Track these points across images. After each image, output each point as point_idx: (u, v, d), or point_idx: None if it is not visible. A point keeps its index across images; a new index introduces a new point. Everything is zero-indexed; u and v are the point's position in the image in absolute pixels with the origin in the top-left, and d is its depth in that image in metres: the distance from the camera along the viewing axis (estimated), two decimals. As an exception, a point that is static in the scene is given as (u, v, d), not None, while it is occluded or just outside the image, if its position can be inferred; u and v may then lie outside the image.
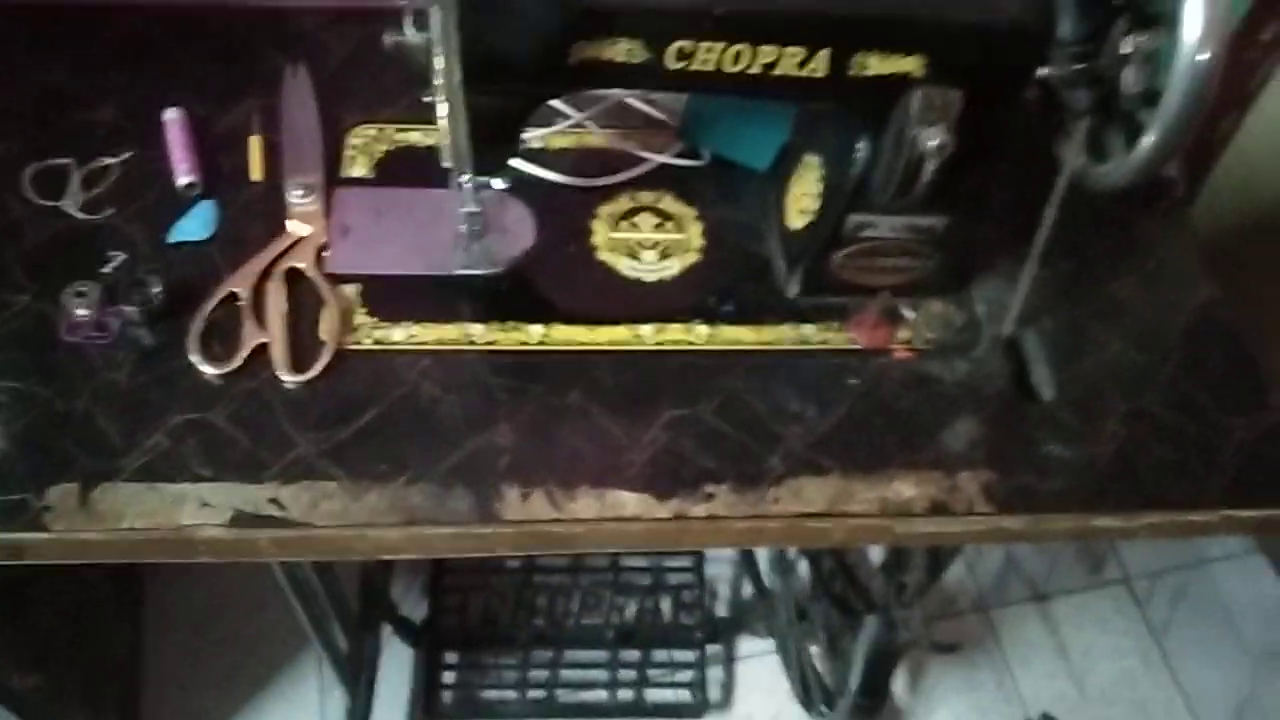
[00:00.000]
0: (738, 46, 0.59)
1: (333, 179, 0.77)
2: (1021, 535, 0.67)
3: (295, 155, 0.76)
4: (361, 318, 0.70)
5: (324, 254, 0.73)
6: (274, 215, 0.74)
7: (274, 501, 0.62)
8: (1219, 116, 1.51)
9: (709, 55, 0.60)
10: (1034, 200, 0.70)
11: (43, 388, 0.66)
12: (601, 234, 0.76)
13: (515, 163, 0.76)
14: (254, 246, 0.72)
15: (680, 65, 0.60)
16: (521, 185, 0.77)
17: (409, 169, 0.78)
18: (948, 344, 0.73)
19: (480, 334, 0.70)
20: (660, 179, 0.80)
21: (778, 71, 0.60)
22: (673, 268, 0.75)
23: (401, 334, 0.69)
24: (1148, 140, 0.59)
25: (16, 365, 0.67)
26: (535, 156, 0.79)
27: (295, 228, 0.73)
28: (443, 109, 0.63)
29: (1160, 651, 1.43)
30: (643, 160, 0.80)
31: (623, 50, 0.60)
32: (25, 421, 0.64)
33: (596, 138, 0.81)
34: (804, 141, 0.75)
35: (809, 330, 0.73)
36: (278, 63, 0.83)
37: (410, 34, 0.61)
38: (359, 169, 0.78)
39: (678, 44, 0.59)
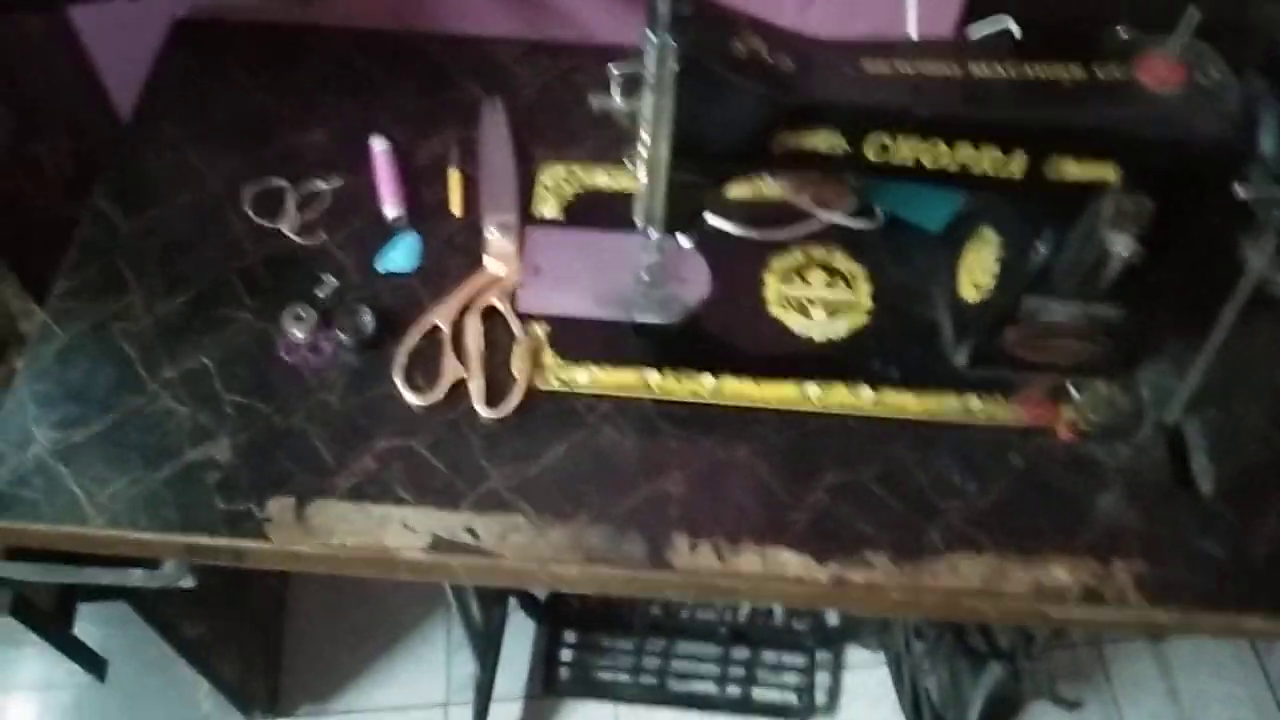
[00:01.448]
0: (938, 144, 0.61)
1: (525, 217, 0.81)
2: (1170, 629, 0.69)
3: (492, 192, 0.81)
4: (549, 358, 0.75)
5: (517, 292, 0.78)
6: (472, 250, 0.79)
7: (469, 530, 0.68)
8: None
9: (908, 150, 0.62)
10: (1209, 288, 0.71)
11: (264, 403, 0.73)
12: (773, 288, 0.80)
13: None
14: (453, 280, 0.78)
15: (879, 158, 0.62)
16: (701, 236, 0.80)
17: (596, 211, 0.82)
18: (1111, 427, 0.74)
19: (656, 381, 0.74)
20: (833, 234, 0.82)
21: (974, 169, 0.62)
22: (841, 327, 0.78)
23: (585, 376, 0.74)
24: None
25: (241, 380, 0.74)
26: (711, 205, 0.82)
27: (491, 265, 0.78)
28: (642, 173, 0.67)
29: (1276, 705, 1.42)
30: (817, 216, 0.82)
31: (824, 141, 0.62)
32: (249, 435, 0.71)
33: (772, 189, 0.84)
34: (982, 212, 0.76)
35: (973, 401, 0.75)
36: (474, 93, 0.88)
37: (618, 100, 0.65)
38: (549, 209, 0.83)
39: (879, 139, 0.62)
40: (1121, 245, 0.63)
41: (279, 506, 0.69)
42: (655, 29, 0.58)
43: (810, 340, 0.77)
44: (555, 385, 0.74)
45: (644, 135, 0.64)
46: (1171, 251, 0.67)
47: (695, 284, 0.79)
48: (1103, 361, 0.75)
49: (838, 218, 0.82)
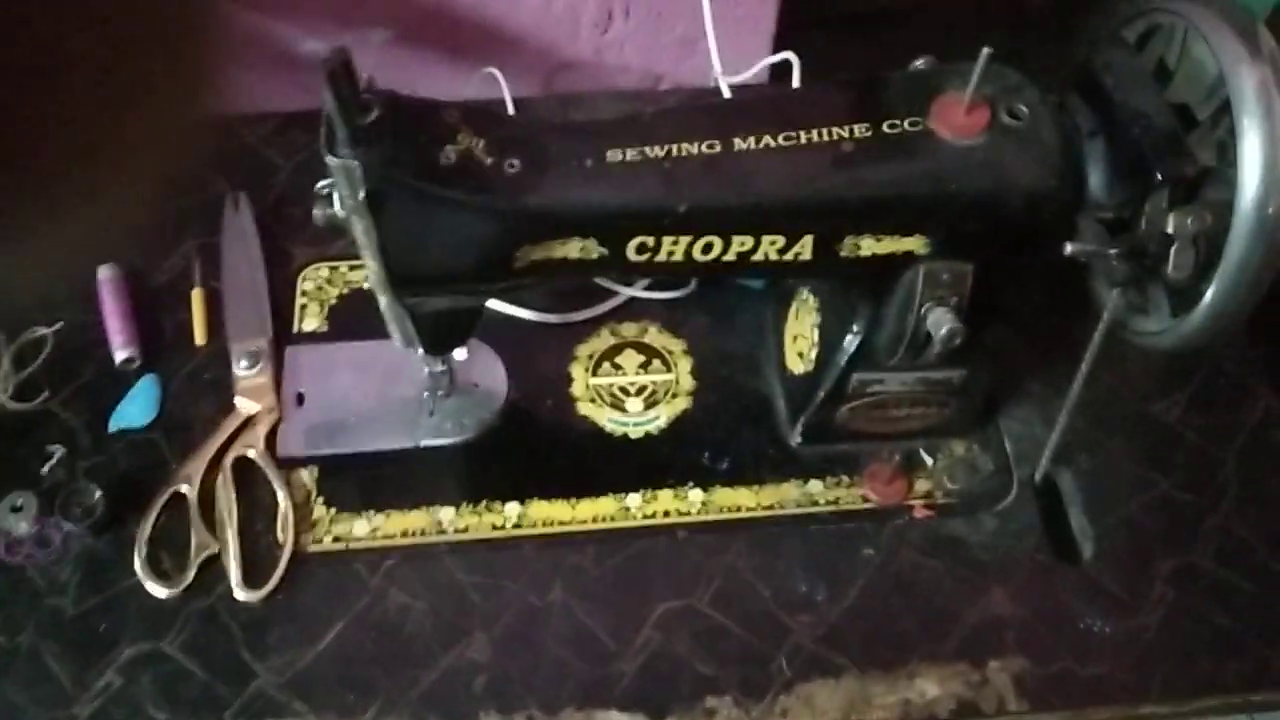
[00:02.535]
0: (708, 238, 0.51)
1: (284, 336, 0.70)
2: (1059, 734, 0.60)
3: (239, 315, 0.69)
4: (320, 510, 0.64)
5: (277, 432, 0.66)
6: (224, 386, 0.68)
7: (233, 751, 0.57)
8: None
9: (675, 247, 0.51)
10: (1069, 321, 0.62)
11: (-17, 622, 0.61)
12: (580, 380, 0.69)
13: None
14: (202, 429, 0.66)
15: (643, 258, 0.52)
16: (491, 320, 0.69)
17: (366, 316, 0.70)
18: (973, 494, 0.65)
19: (450, 519, 0.64)
20: (644, 307, 0.72)
21: (757, 257, 0.52)
22: (660, 418, 0.68)
23: (364, 527, 0.63)
24: (1197, 320, 0.50)
25: (-47, 596, 0.62)
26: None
27: (243, 404, 0.66)
28: (382, 300, 0.55)
29: None
30: (621, 290, 0.71)
31: (575, 249, 0.51)
32: (-34, 666, 0.60)
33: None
34: (801, 271, 0.66)
35: (816, 487, 0.65)
36: (218, 188, 0.76)
37: (339, 210, 0.53)
38: (312, 320, 0.71)
39: (638, 239, 0.51)
40: (940, 323, 0.53)
41: (6, 753, 0.57)
42: (334, 148, 0.47)
43: (625, 438, 0.67)
44: (329, 544, 0.63)
45: (367, 262, 0.53)
46: (1006, 308, 0.58)
47: (490, 390, 0.68)
48: (956, 421, 0.66)
49: (642, 290, 0.71)
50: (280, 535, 0.62)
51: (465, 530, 0.63)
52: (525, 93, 0.89)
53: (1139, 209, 0.50)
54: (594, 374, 0.69)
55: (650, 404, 0.68)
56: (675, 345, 0.70)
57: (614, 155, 0.50)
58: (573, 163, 0.50)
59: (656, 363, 0.70)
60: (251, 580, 0.61)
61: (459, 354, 0.64)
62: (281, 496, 0.63)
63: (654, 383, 0.69)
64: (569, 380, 0.69)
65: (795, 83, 0.74)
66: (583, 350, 0.70)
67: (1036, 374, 0.68)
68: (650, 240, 0.51)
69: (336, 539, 0.63)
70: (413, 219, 0.48)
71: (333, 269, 0.73)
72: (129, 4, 0.19)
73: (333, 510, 0.64)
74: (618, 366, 0.69)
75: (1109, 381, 0.68)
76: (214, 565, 0.62)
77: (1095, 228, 0.50)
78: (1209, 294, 0.49)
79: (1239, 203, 0.46)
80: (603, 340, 0.70)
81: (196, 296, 0.71)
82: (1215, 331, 0.51)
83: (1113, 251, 0.49)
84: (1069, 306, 0.63)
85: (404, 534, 0.63)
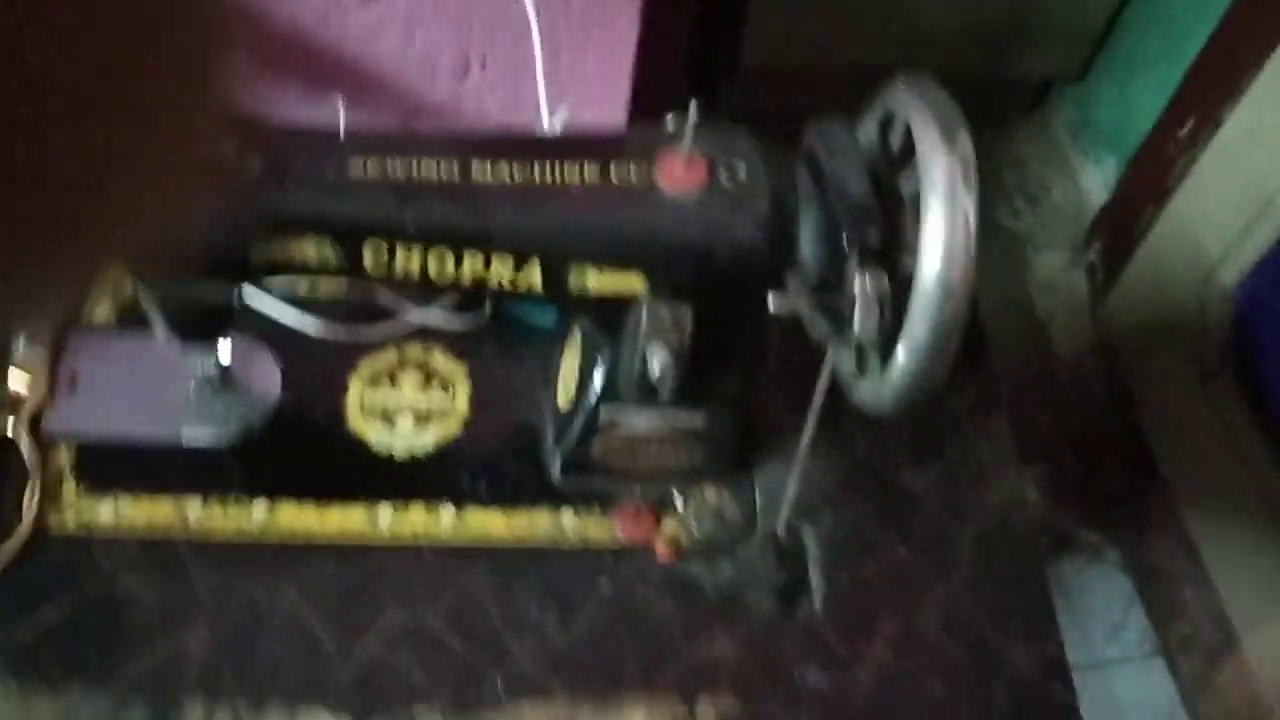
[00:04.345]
0: (438, 250, 0.53)
1: (72, 322, 0.71)
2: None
3: (29, 295, 0.70)
4: (70, 493, 0.64)
5: (45, 411, 0.67)
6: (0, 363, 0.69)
7: (-76, 718, 0.57)
8: (1135, 212, 1.45)
9: (409, 258, 0.54)
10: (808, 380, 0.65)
11: None
12: (356, 395, 0.71)
13: (270, 307, 0.71)
14: (-32, 401, 0.67)
15: (379, 269, 0.54)
16: (278, 333, 0.71)
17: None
18: (717, 541, 0.67)
19: (197, 514, 0.65)
20: (437, 334, 0.74)
21: (491, 279, 0.55)
22: (428, 439, 0.69)
23: (109, 513, 0.64)
24: (891, 379, 0.53)
25: None
26: (301, 299, 0.73)
27: (16, 378, 0.67)
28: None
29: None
30: (411, 314, 0.74)
31: (310, 249, 0.54)
32: None
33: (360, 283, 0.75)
34: (574, 315, 0.69)
35: (568, 519, 0.67)
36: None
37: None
38: (103, 311, 0.72)
39: (370, 245, 0.53)
40: (657, 357, 0.56)
41: None
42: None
43: (390, 457, 0.69)
44: (71, 527, 0.63)
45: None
46: (733, 353, 0.61)
47: (259, 394, 0.69)
48: (710, 467, 0.68)
49: (436, 316, 0.73)
50: (24, 511, 0.63)
51: (209, 528, 0.64)
52: (378, 129, 0.92)
53: (842, 274, 0.53)
54: (371, 387, 0.71)
55: (421, 424, 0.70)
56: (458, 371, 0.72)
57: (354, 169, 0.53)
58: (315, 170, 0.52)
59: (437, 388, 0.72)
60: (-16, 552, 0.61)
61: (223, 353, 0.66)
62: (31, 471, 0.64)
63: (429, 405, 0.71)
64: (344, 391, 0.71)
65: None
66: (365, 365, 0.72)
67: (793, 429, 0.70)
68: (382, 244, 0.53)
69: (81, 523, 0.63)
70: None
71: (134, 263, 0.74)
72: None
73: (82, 490, 0.64)
74: (396, 385, 0.71)
75: (863, 445, 0.72)
76: (-49, 535, 0.62)
77: (800, 285, 0.54)
78: (897, 357, 0.53)
79: (917, 274, 0.50)
80: (387, 359, 0.72)
81: (-7, 274, 0.72)
82: (905, 396, 0.54)
83: (813, 311, 0.53)
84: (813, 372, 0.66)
85: (148, 523, 0.64)
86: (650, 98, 0.93)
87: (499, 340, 0.74)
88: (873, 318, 0.51)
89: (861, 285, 0.51)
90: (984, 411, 0.74)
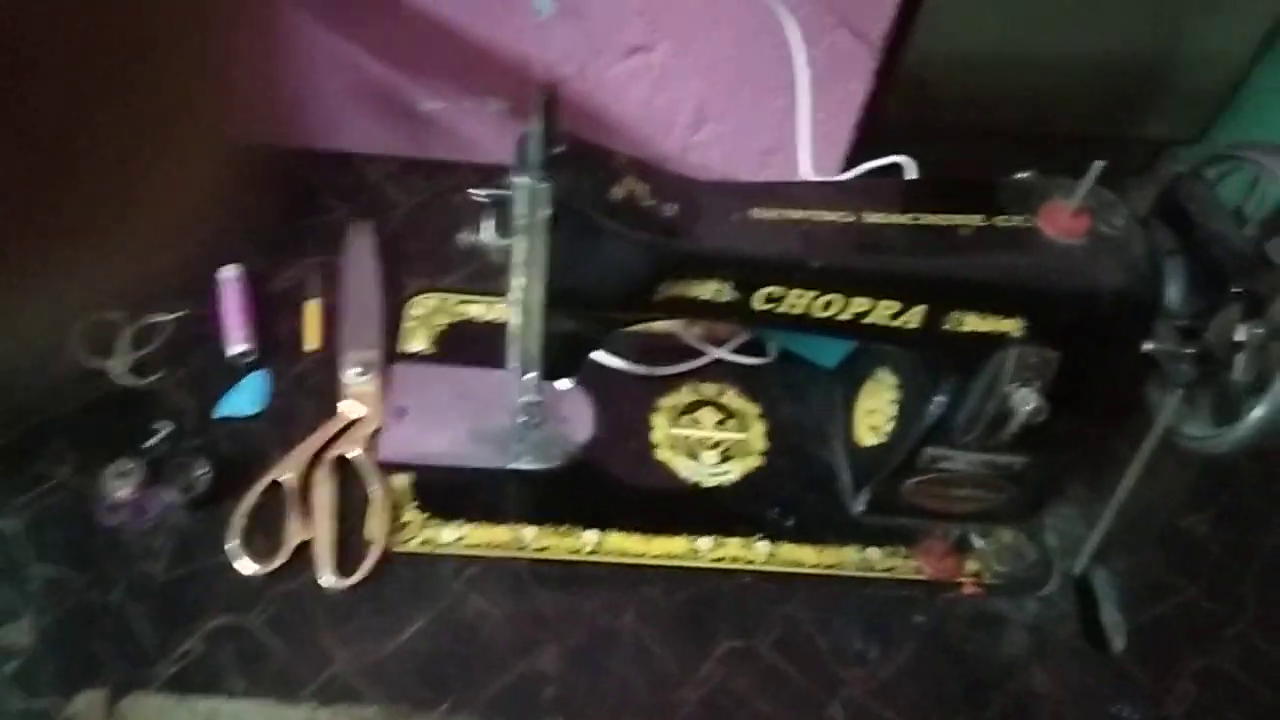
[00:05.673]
0: (830, 296, 0.57)
1: (391, 353, 0.74)
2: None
3: (354, 326, 0.74)
4: (411, 513, 0.67)
5: (379, 438, 0.70)
6: (328, 391, 0.72)
7: (310, 727, 0.59)
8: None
9: (799, 300, 0.57)
10: (1115, 433, 0.68)
11: (77, 574, 0.63)
12: (661, 429, 0.74)
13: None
14: (305, 425, 0.70)
15: (768, 307, 0.58)
16: (584, 370, 0.74)
17: (470, 344, 0.75)
18: (1017, 579, 0.70)
19: (532, 538, 0.67)
20: (725, 371, 0.77)
21: (869, 320, 0.58)
22: (733, 472, 0.72)
23: (451, 534, 0.67)
24: (1251, 423, 0.56)
25: (52, 549, 0.64)
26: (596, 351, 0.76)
27: (349, 408, 0.71)
28: (516, 316, 0.60)
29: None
30: (707, 351, 0.77)
31: (710, 290, 0.57)
32: (57, 615, 0.61)
33: (661, 321, 0.79)
34: (878, 352, 0.72)
35: (874, 554, 0.70)
36: (341, 215, 0.81)
37: (488, 238, 0.59)
38: (418, 342, 0.76)
39: (768, 289, 0.57)
40: (1025, 401, 0.59)
41: (87, 703, 0.59)
42: (525, 169, 0.53)
43: (699, 486, 0.71)
44: (417, 546, 0.66)
45: (517, 278, 0.58)
46: (1078, 399, 0.64)
47: (577, 426, 0.72)
48: (1007, 510, 0.71)
49: (728, 353, 0.77)
50: (372, 532, 0.66)
51: (545, 549, 0.67)
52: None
53: (1208, 320, 0.57)
54: (674, 424, 0.74)
55: (725, 458, 0.73)
56: (751, 409, 0.76)
57: (758, 213, 0.56)
58: (723, 215, 0.56)
59: (732, 421, 0.75)
60: (341, 569, 0.64)
61: (562, 385, 0.69)
62: (379, 495, 0.67)
63: (729, 439, 0.74)
64: (650, 427, 0.74)
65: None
66: (665, 402, 0.75)
67: (1080, 476, 0.73)
68: (779, 290, 0.57)
69: (424, 542, 0.66)
70: (581, 242, 0.54)
71: (442, 299, 0.78)
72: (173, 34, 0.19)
73: (424, 515, 0.67)
74: (696, 421, 0.74)
75: (1144, 494, 0.74)
76: (305, 553, 0.65)
77: (1169, 333, 0.57)
78: (1262, 404, 0.56)
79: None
80: (684, 395, 0.76)
81: (312, 307, 0.75)
82: (1260, 440, 0.57)
83: (1185, 352, 0.56)
84: (1123, 426, 0.69)
85: (488, 545, 0.67)
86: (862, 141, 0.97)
87: (785, 379, 0.77)
88: (1256, 365, 0.55)
89: (1250, 334, 0.54)
90: (1256, 456, 0.77)
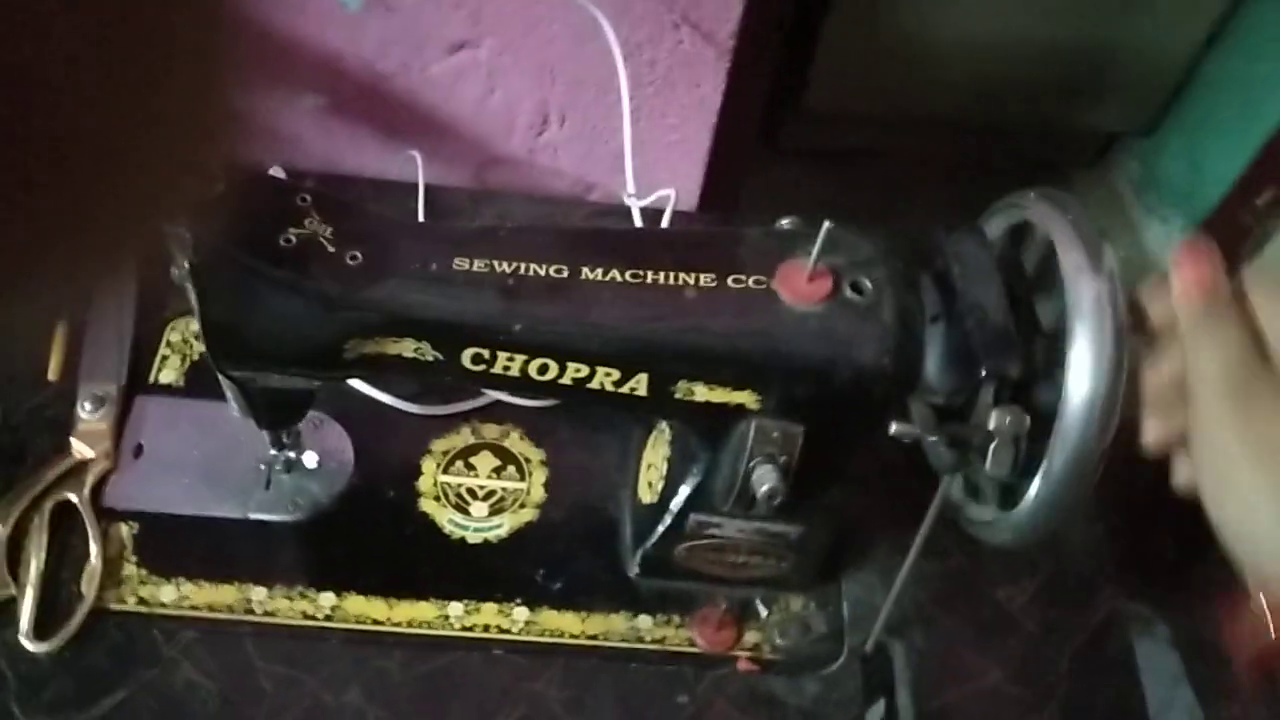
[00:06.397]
0: (543, 360, 0.50)
1: (139, 385, 0.68)
2: None
3: (95, 354, 0.68)
4: (132, 569, 0.62)
5: (108, 481, 0.64)
6: (63, 428, 0.66)
7: (-29, 815, 0.54)
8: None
9: (510, 363, 0.51)
10: (926, 489, 0.61)
11: None
12: (430, 476, 0.68)
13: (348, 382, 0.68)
14: (31, 467, 0.64)
15: (479, 368, 0.51)
16: (350, 400, 0.68)
17: (226, 377, 0.69)
18: (800, 655, 0.64)
19: (261, 599, 0.62)
20: (511, 411, 0.71)
21: (593, 386, 0.51)
22: (502, 526, 0.66)
23: (171, 593, 0.61)
24: (1022, 514, 0.50)
25: None
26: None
27: (79, 448, 0.65)
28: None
29: None
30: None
31: (410, 348, 0.51)
32: None
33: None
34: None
35: (644, 622, 0.64)
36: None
37: (181, 279, 0.52)
38: (170, 373, 0.69)
39: (472, 350, 0.50)
40: (763, 480, 0.52)
41: None
42: (173, 214, 0.46)
43: (463, 542, 0.65)
44: (131, 605, 0.60)
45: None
46: (840, 472, 0.58)
47: (332, 471, 0.66)
48: (795, 577, 0.64)
49: (504, 394, 0.70)
50: (85, 588, 0.60)
51: (273, 614, 0.61)
52: (454, 182, 0.90)
53: (971, 399, 0.50)
54: (445, 470, 0.68)
55: (496, 510, 0.67)
56: (534, 454, 0.69)
57: (460, 263, 0.50)
58: (417, 264, 0.49)
59: (511, 469, 0.69)
60: (42, 632, 0.59)
61: (299, 435, 0.63)
62: (94, 548, 0.61)
63: (504, 489, 0.68)
64: (418, 473, 0.68)
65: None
66: (439, 444, 0.69)
67: (885, 539, 0.67)
68: (485, 353, 0.50)
69: (141, 600, 0.61)
70: (238, 296, 0.48)
71: (205, 324, 0.72)
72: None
73: (143, 571, 0.62)
74: (471, 466, 0.68)
75: (959, 560, 0.68)
76: (8, 611, 0.59)
77: (926, 411, 0.50)
78: (1030, 494, 0.49)
79: (1063, 409, 0.46)
80: (462, 438, 0.69)
81: (59, 333, 0.69)
82: (1037, 531, 0.51)
83: (933, 439, 0.49)
84: (927, 474, 0.62)
85: (210, 606, 0.61)
86: (724, 145, 0.90)
87: (577, 420, 0.71)
88: (1009, 457, 0.48)
89: (1000, 423, 0.47)
90: (1085, 520, 0.70)
